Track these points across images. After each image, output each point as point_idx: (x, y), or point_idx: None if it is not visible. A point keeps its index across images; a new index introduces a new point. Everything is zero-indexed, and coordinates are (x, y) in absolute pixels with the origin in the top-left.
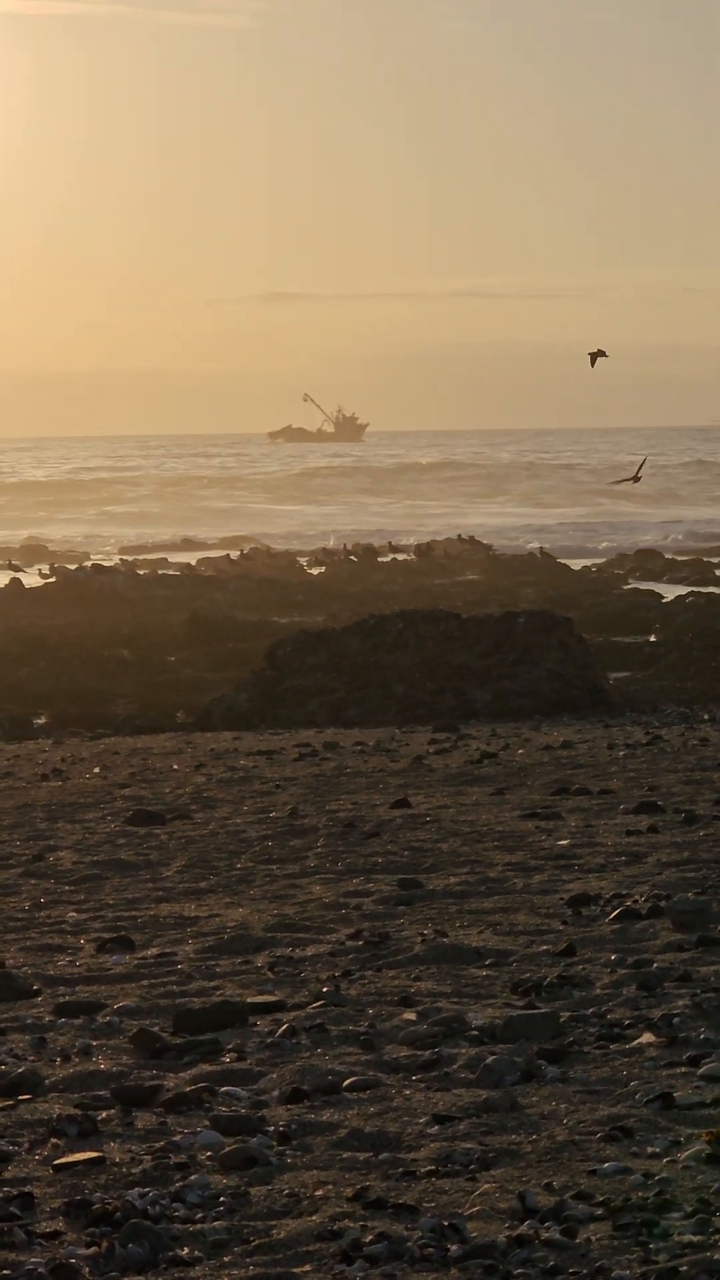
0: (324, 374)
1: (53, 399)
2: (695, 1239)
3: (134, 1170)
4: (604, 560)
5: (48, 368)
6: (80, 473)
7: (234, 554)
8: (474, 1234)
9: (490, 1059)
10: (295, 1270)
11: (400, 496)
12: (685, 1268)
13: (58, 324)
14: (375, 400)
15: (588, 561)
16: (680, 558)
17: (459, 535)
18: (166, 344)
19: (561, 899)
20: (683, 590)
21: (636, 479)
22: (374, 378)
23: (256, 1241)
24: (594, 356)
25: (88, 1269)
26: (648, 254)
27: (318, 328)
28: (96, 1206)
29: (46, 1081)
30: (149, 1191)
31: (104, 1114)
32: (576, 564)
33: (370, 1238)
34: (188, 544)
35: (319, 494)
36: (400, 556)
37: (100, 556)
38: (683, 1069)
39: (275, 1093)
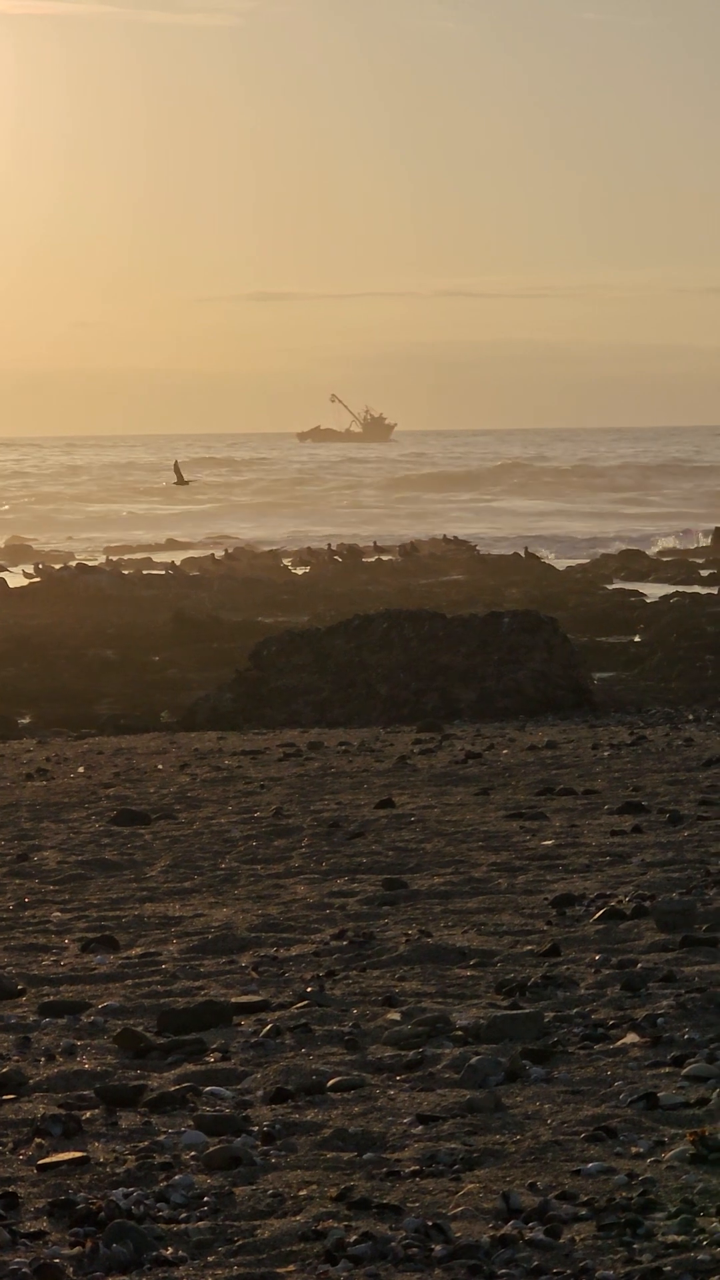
0: (313, 373)
1: (41, 398)
2: (679, 1239)
3: (118, 1170)
4: (589, 560)
5: (36, 367)
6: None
7: (218, 553)
8: (458, 1234)
9: (474, 1059)
10: (279, 1270)
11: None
12: (669, 1268)
13: (45, 324)
14: (365, 399)
15: (572, 562)
16: (665, 558)
17: (444, 535)
18: (155, 343)
19: (546, 899)
20: (667, 590)
21: (185, 482)
22: (363, 376)
23: (240, 1241)
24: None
25: (71, 1269)
26: (639, 254)
27: (307, 327)
28: (80, 1206)
29: (30, 1081)
30: (133, 1191)
31: (88, 1114)
32: (561, 564)
33: (354, 1238)
34: (172, 544)
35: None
36: (385, 557)
37: (84, 556)
38: (667, 1069)
39: (259, 1093)
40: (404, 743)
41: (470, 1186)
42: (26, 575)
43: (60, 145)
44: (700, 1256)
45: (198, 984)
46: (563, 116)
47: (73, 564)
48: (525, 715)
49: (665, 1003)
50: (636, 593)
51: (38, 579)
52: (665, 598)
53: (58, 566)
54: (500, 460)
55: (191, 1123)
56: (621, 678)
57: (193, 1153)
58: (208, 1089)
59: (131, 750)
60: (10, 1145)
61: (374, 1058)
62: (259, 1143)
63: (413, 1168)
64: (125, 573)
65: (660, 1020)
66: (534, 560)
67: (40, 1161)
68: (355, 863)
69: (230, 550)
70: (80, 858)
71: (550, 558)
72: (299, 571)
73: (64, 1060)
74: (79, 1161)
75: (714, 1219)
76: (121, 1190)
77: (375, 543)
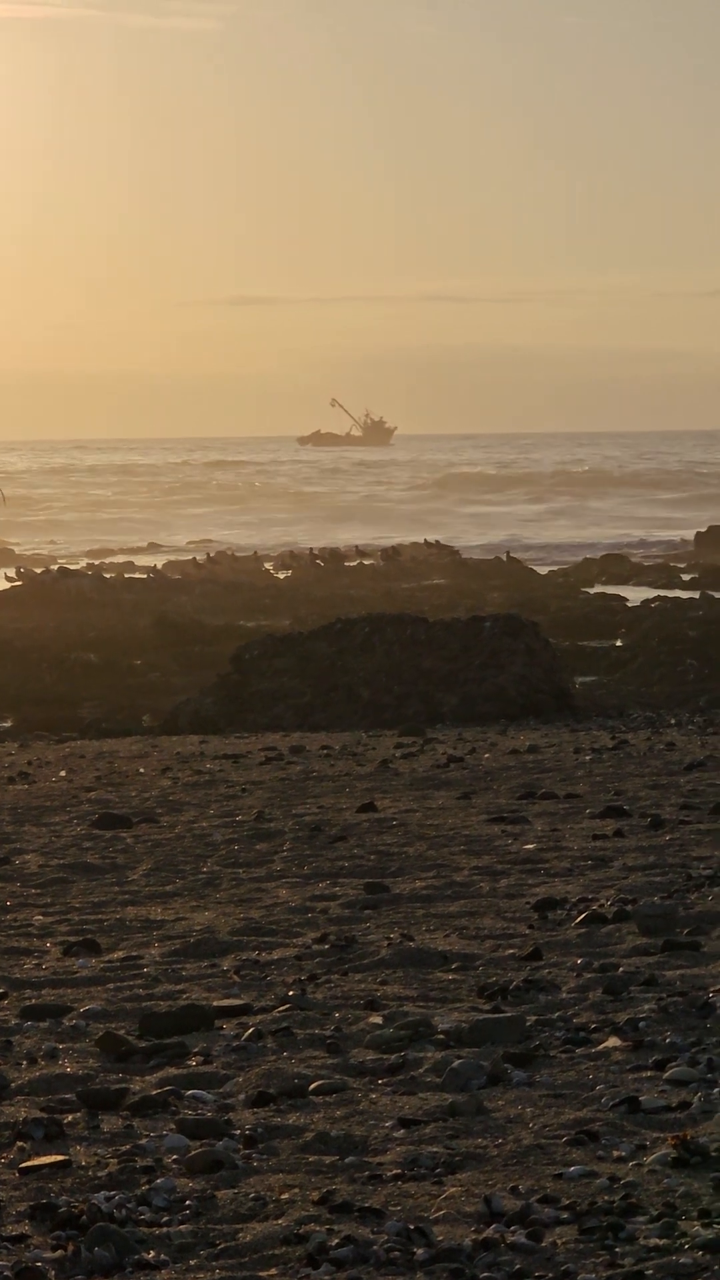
0: (295, 377)
1: (21, 402)
2: (661, 1242)
3: (100, 1173)
4: (571, 564)
5: (16, 370)
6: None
7: (200, 557)
8: (440, 1237)
9: (456, 1063)
10: (261, 1274)
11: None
12: (650, 1271)
13: (26, 327)
14: (347, 403)
15: (554, 566)
16: (647, 562)
17: (425, 540)
18: (136, 347)
19: (528, 903)
20: (649, 594)
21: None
22: (342, 381)
23: (222, 1245)
24: None
25: (53, 1272)
26: (618, 258)
27: (286, 331)
28: (62, 1210)
29: (12, 1085)
30: (115, 1195)
31: (70, 1117)
32: (543, 568)
33: (336, 1241)
34: (154, 547)
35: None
36: (367, 561)
37: (66, 559)
38: (648, 1073)
39: (241, 1096)
40: (386, 747)
41: (452, 1190)
42: (8, 579)
43: (41, 148)
44: (682, 1260)
45: (179, 987)
46: (544, 120)
47: (54, 568)
48: (507, 719)
49: (647, 1006)
50: (618, 597)
51: (19, 582)
52: (647, 602)
53: (39, 570)
54: (483, 465)
55: (173, 1126)
56: (603, 682)
57: (175, 1156)
58: (189, 1092)
59: (113, 754)
60: None
61: (356, 1061)
62: (241, 1146)
63: (395, 1171)
64: (107, 576)
65: (642, 1024)
66: (515, 564)
67: (22, 1165)
68: (337, 866)
69: (212, 554)
70: (62, 861)
71: (532, 561)
72: (281, 575)
73: (46, 1063)
74: (61, 1165)
75: (695, 1223)
76: (103, 1194)
77: (357, 546)
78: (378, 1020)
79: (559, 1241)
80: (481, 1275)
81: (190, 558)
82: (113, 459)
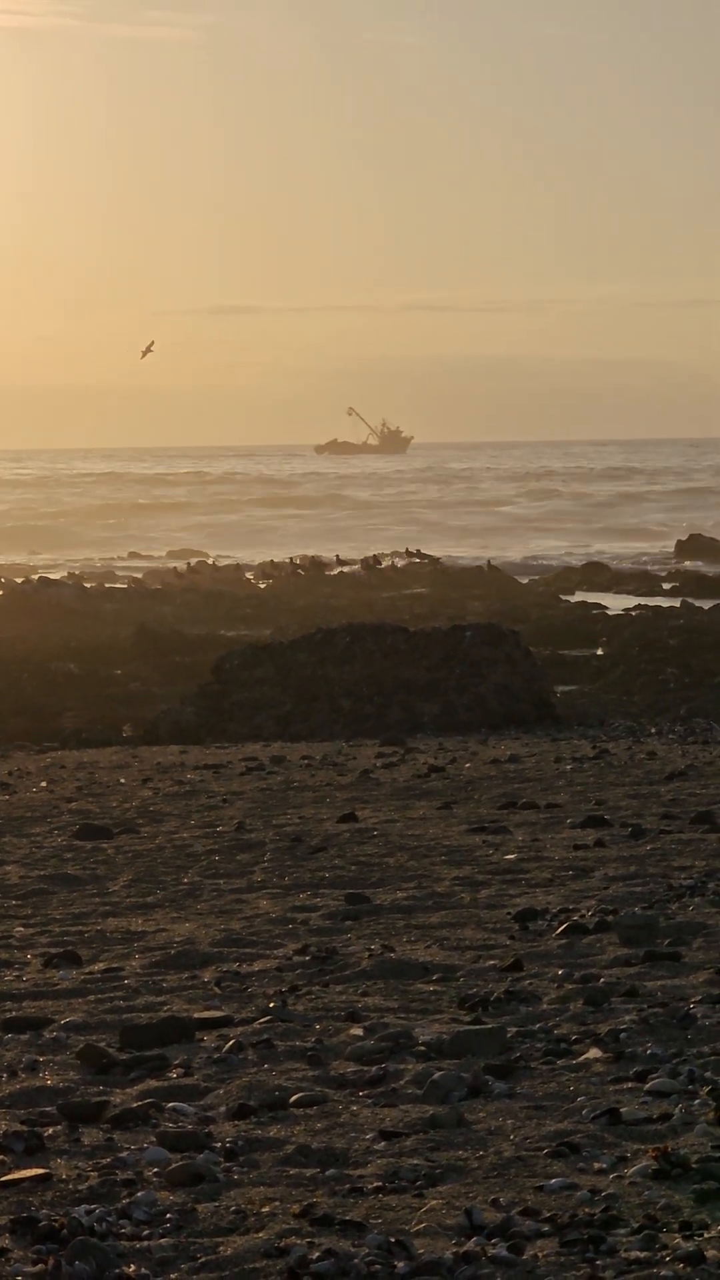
0: (275, 387)
1: (8, 414)
2: (642, 1255)
3: (80, 1187)
4: (551, 574)
5: (3, 383)
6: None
7: (180, 567)
8: (421, 1251)
9: (437, 1074)
10: None
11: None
12: None
13: (11, 338)
14: (332, 413)
15: (536, 575)
16: (627, 570)
17: (407, 549)
18: (116, 357)
19: (509, 913)
20: (630, 603)
21: None
22: (324, 391)
23: (203, 1259)
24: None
25: None
26: (599, 268)
27: (267, 341)
28: (43, 1224)
29: None
30: (95, 1208)
31: (50, 1130)
32: (524, 577)
33: (317, 1255)
34: (134, 557)
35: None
36: (347, 570)
37: (47, 569)
38: (629, 1084)
39: (222, 1108)
40: (367, 756)
41: (433, 1203)
42: None
43: (21, 158)
44: (663, 1273)
45: (160, 999)
46: (525, 130)
47: (35, 577)
48: (488, 728)
49: (628, 1018)
50: (599, 605)
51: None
52: (627, 611)
53: (20, 580)
54: (465, 474)
55: (154, 1139)
56: (584, 691)
57: (155, 1169)
58: (170, 1105)
59: (94, 764)
60: None
61: (337, 1073)
62: (222, 1159)
63: (375, 1184)
64: (88, 586)
65: (623, 1035)
66: (496, 573)
67: (2, 1179)
68: (318, 877)
69: (193, 563)
70: (43, 872)
71: (512, 570)
72: (262, 585)
73: (26, 1076)
74: (41, 1178)
75: (676, 1235)
76: (84, 1207)
77: (338, 556)
78: (358, 1032)
79: (540, 1254)
80: None
81: (171, 567)
82: (97, 467)
